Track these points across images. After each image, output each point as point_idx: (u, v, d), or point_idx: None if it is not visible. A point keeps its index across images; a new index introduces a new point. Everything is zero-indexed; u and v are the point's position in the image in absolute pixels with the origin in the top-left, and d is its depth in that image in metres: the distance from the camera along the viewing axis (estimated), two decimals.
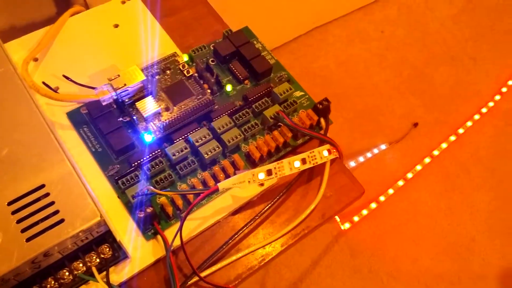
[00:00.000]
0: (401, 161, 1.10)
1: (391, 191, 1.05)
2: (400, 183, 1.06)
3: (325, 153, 0.40)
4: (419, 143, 1.12)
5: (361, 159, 1.08)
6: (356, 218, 1.01)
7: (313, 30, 1.30)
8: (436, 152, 1.10)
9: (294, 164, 0.38)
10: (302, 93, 0.45)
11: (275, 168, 0.38)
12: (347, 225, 1.00)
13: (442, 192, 1.06)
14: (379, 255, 0.98)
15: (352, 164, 1.07)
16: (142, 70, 0.42)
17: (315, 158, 0.39)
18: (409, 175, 1.07)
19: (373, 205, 1.03)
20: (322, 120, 0.43)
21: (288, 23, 1.22)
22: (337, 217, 0.98)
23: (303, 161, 0.39)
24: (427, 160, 1.09)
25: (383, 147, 1.10)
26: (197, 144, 0.39)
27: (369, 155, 1.09)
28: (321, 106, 0.42)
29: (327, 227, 1.01)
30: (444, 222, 1.02)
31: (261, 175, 0.37)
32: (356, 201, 0.42)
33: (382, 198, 1.04)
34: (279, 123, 0.42)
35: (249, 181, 0.37)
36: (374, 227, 1.01)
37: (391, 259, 0.98)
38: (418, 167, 1.08)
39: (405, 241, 1.00)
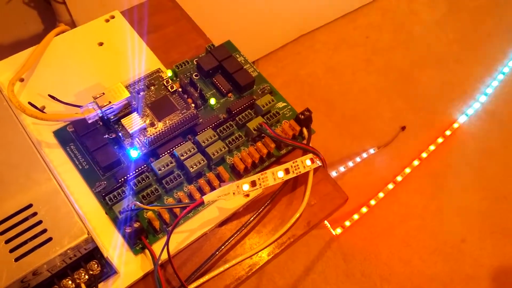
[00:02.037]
0: (390, 164, 1.11)
1: (381, 194, 1.06)
2: (390, 186, 1.07)
3: (308, 162, 0.41)
4: (408, 146, 1.14)
5: (351, 163, 1.09)
6: (347, 223, 1.02)
7: (300, 38, 1.31)
8: (424, 155, 1.11)
9: (278, 175, 0.39)
10: (285, 104, 0.46)
11: (259, 179, 0.39)
12: (338, 230, 1.01)
13: (431, 193, 1.08)
14: (372, 258, 0.99)
15: (342, 169, 1.08)
16: (127, 86, 0.43)
17: (298, 168, 0.40)
18: (399, 178, 1.08)
19: (364, 209, 1.04)
20: (304, 130, 0.44)
21: (275, 32, 1.23)
22: (327, 223, 0.99)
23: (287, 171, 0.40)
24: (415, 162, 1.10)
25: (372, 151, 1.12)
26: (182, 158, 0.40)
27: (358, 159, 1.10)
28: (302, 117, 0.43)
29: (319, 233, 1.02)
30: (435, 224, 1.04)
31: (246, 187, 0.38)
32: (340, 208, 0.43)
33: (372, 202, 1.05)
34: (263, 134, 0.42)
35: (234, 193, 0.38)
36: (365, 231, 1.02)
37: (383, 262, 0.99)
38: (407, 170, 1.09)
39: (397, 243, 1.01)
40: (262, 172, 0.39)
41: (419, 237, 1.02)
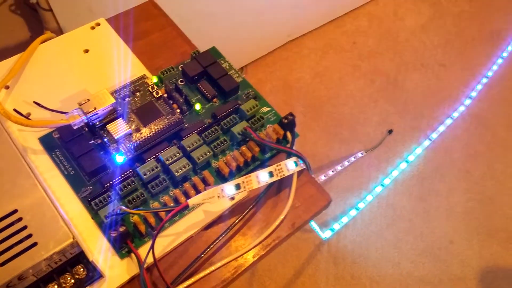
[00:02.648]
0: (378, 168, 1.13)
1: (370, 197, 1.07)
2: (378, 189, 1.08)
3: (292, 165, 0.42)
4: (395, 149, 1.15)
5: (339, 167, 1.11)
6: (337, 226, 1.03)
7: (288, 44, 1.33)
8: (411, 157, 1.13)
9: (262, 178, 0.40)
10: (269, 108, 0.47)
11: (243, 182, 0.39)
12: (328, 234, 1.02)
13: (419, 196, 1.09)
14: (361, 261, 1.00)
15: (331, 172, 1.09)
16: (112, 93, 0.43)
17: (282, 171, 0.41)
18: (387, 181, 1.09)
19: (353, 212, 1.05)
20: (288, 133, 0.44)
21: (263, 38, 1.25)
22: (315, 227, 0.99)
23: (271, 174, 0.40)
24: (403, 165, 1.12)
25: (360, 154, 1.13)
26: (167, 162, 0.40)
27: (346, 163, 1.12)
28: (286, 121, 0.43)
29: (309, 237, 1.02)
30: (423, 225, 1.05)
31: (230, 190, 0.39)
32: (324, 209, 0.44)
33: (361, 205, 1.06)
34: (247, 139, 0.43)
35: (218, 196, 0.38)
36: (355, 234, 1.03)
37: (373, 264, 1.00)
38: (395, 173, 1.11)
39: (386, 245, 1.02)
40: (246, 176, 0.40)
41: (408, 239, 1.03)
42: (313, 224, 0.98)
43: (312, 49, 1.33)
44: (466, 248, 1.02)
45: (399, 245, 1.02)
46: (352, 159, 1.12)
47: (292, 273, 0.98)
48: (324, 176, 1.09)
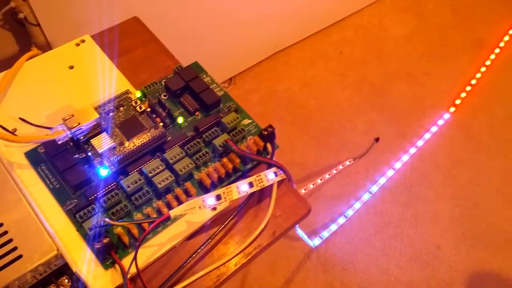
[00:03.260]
0: (366, 175, 1.14)
1: (358, 204, 1.09)
2: (366, 196, 1.10)
3: (272, 175, 0.43)
4: (382, 156, 1.17)
5: (328, 175, 1.12)
6: (326, 234, 1.04)
7: (276, 54, 1.35)
8: (398, 165, 1.15)
9: (242, 188, 0.41)
10: (250, 121, 0.48)
11: (224, 193, 0.41)
12: (317, 241, 1.03)
13: (406, 202, 1.11)
14: (350, 268, 1.01)
15: (319, 181, 1.11)
16: (96, 108, 0.45)
17: (262, 181, 0.42)
18: (374, 188, 1.11)
19: (342, 220, 1.06)
20: (268, 145, 0.46)
21: (251, 49, 1.27)
22: (303, 235, 1.00)
23: (251, 184, 0.42)
24: (390, 172, 1.14)
25: (348, 162, 1.15)
26: (150, 175, 0.41)
27: (335, 171, 1.13)
28: (266, 133, 0.45)
29: (298, 245, 1.03)
30: (410, 232, 1.06)
31: (211, 200, 0.40)
32: (304, 218, 0.45)
33: (349, 212, 1.07)
34: (229, 150, 0.45)
35: (199, 207, 0.39)
36: (343, 241, 1.05)
37: (361, 271, 1.01)
38: (382, 180, 1.12)
39: (374, 252, 1.03)
40: (227, 186, 0.41)
41: (396, 245, 1.04)
42: (301, 232, 0.99)
43: (299, 59, 1.35)
44: (453, 253, 1.04)
45: (387, 251, 1.03)
46: (340, 167, 1.14)
47: (282, 282, 0.99)
48: (313, 184, 1.10)
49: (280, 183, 0.45)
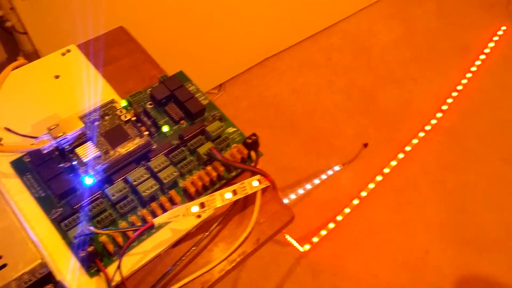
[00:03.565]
0: (355, 181, 1.15)
1: (347, 210, 1.09)
2: (356, 201, 1.11)
3: (255, 183, 0.44)
4: (370, 162, 1.18)
5: (317, 181, 1.13)
6: (315, 239, 1.05)
7: (265, 61, 1.36)
8: (386, 170, 1.16)
9: (226, 196, 0.42)
10: (234, 129, 0.49)
11: (207, 200, 0.41)
12: (307, 247, 1.03)
13: (395, 207, 1.12)
14: (340, 273, 1.02)
15: (308, 186, 1.12)
16: (82, 117, 0.45)
17: (246, 189, 0.43)
18: (363, 194, 1.12)
19: (331, 225, 1.07)
20: (252, 153, 0.47)
21: (240, 56, 1.28)
22: (293, 241, 1.01)
23: (234, 192, 0.42)
24: (379, 178, 1.15)
25: (337, 168, 1.16)
26: (135, 183, 0.42)
27: (324, 176, 1.14)
28: (250, 141, 0.46)
29: (288, 251, 1.04)
30: (399, 236, 1.07)
31: (195, 208, 0.41)
32: (287, 225, 0.46)
33: (339, 218, 1.08)
34: (213, 158, 0.45)
35: (183, 215, 0.40)
36: (333, 247, 1.05)
37: (351, 276, 1.01)
38: (371, 185, 1.13)
39: (364, 257, 1.04)
40: (210, 194, 0.42)
41: (385, 250, 1.05)
42: (290, 238, 1.00)
43: (288, 65, 1.36)
44: (442, 257, 1.05)
45: (376, 256, 1.04)
46: (329, 172, 1.15)
47: (273, 287, 0.99)
48: (302, 190, 1.11)
49: (264, 190, 0.46)
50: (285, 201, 1.08)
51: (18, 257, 0.35)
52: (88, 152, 0.42)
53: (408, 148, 1.20)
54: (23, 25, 0.75)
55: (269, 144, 1.18)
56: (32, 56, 0.78)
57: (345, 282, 1.01)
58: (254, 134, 0.46)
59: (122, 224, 0.41)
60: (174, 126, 0.48)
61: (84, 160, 0.42)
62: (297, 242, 1.03)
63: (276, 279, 1.01)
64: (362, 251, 1.05)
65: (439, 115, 1.27)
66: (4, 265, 0.34)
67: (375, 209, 1.11)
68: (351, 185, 1.14)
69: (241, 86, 1.30)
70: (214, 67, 1.22)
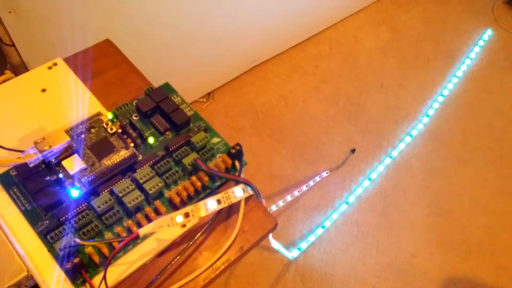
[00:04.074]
0: (343, 186, 1.17)
1: (335, 215, 1.11)
2: (343, 207, 1.12)
3: (240, 192, 0.45)
4: (358, 167, 1.20)
5: (305, 187, 1.14)
6: (304, 245, 1.06)
7: (253, 69, 1.37)
8: (373, 175, 1.18)
9: (210, 205, 0.43)
10: (219, 139, 0.50)
11: (192, 210, 0.42)
12: (296, 253, 1.04)
13: (382, 212, 1.13)
14: (328, 278, 1.03)
15: (297, 193, 1.13)
16: (68, 130, 0.46)
17: (229, 198, 0.44)
18: (351, 199, 1.13)
19: (319, 231, 1.08)
20: (236, 162, 0.48)
21: (229, 64, 1.29)
22: (280, 248, 1.02)
23: (218, 201, 0.43)
24: (366, 183, 1.16)
25: (325, 174, 1.17)
26: (120, 195, 0.43)
27: (312, 182, 1.15)
28: (234, 151, 0.47)
29: (277, 257, 1.05)
30: (386, 241, 1.09)
31: (179, 218, 0.41)
32: (271, 232, 0.47)
33: (327, 223, 1.09)
34: (198, 169, 0.46)
35: (168, 225, 0.41)
36: (322, 252, 1.06)
37: (339, 280, 1.03)
38: (359, 190, 1.15)
39: (352, 262, 1.05)
40: (195, 204, 0.42)
41: (372, 255, 1.07)
42: (278, 244, 1.01)
43: (276, 73, 1.38)
44: (428, 261, 1.06)
45: (364, 260, 1.06)
46: (318, 178, 1.16)
47: None
48: (291, 196, 1.12)
49: (248, 199, 0.47)
50: (274, 207, 1.10)
51: (4, 269, 0.35)
52: (74, 164, 0.43)
53: (394, 153, 1.22)
54: (10, 37, 0.75)
55: (257, 151, 1.19)
56: (20, 68, 0.79)
57: (333, 286, 1.02)
58: (238, 144, 0.47)
59: (108, 235, 0.42)
60: (160, 137, 0.49)
61: (71, 173, 0.43)
62: (285, 248, 1.04)
63: (265, 286, 1.01)
64: (350, 255, 1.06)
65: (425, 120, 1.29)
66: None
67: (363, 214, 1.13)
68: (339, 191, 1.16)
69: (230, 93, 1.32)
70: (202, 75, 1.23)
